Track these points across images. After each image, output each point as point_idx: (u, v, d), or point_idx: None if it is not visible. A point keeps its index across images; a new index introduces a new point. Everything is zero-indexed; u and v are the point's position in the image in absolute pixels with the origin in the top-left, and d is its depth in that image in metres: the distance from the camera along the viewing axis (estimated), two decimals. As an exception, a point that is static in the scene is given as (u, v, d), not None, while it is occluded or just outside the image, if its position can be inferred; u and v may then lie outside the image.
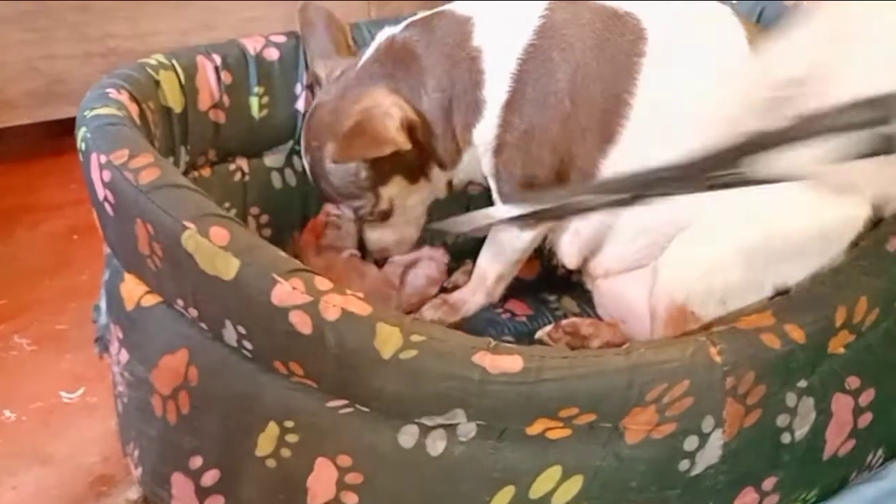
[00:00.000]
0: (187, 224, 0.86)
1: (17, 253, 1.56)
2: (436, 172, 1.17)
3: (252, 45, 1.25)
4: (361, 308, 0.82)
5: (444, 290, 1.29)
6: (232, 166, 1.24)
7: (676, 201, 1.07)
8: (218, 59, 1.21)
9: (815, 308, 0.87)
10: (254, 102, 1.24)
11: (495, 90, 1.09)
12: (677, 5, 1.12)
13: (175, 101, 1.15)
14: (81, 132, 0.97)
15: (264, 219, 1.27)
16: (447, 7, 1.15)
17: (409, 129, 1.10)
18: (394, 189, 1.15)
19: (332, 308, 0.82)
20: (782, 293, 1.03)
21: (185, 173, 1.17)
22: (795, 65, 0.84)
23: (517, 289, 1.27)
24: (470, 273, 1.26)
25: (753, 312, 0.88)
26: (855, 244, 1.04)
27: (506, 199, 1.14)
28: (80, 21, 1.72)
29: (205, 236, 0.85)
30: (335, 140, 1.09)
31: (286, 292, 0.82)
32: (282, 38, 1.27)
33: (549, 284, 1.28)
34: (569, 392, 0.81)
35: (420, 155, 1.13)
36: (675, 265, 1.07)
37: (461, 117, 1.12)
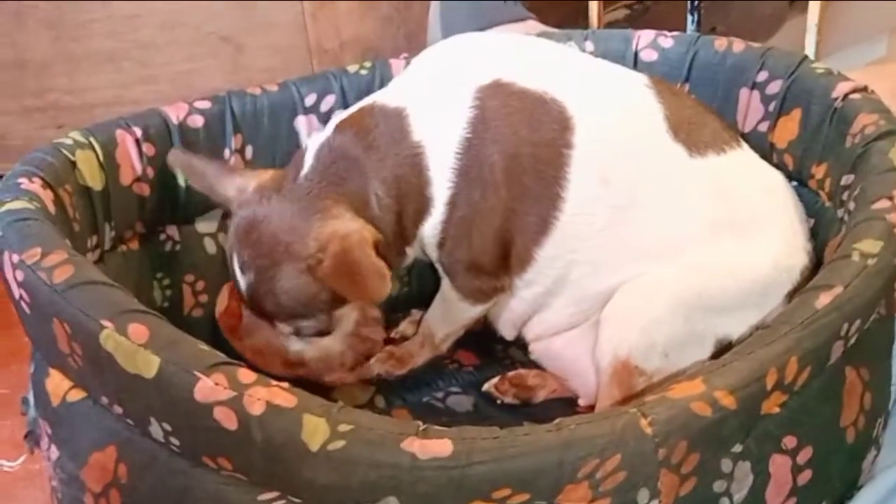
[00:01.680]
0: (105, 323, 0.84)
1: (-46, 314, 1.53)
2: None
3: (175, 114, 1.22)
4: (287, 400, 0.81)
5: (391, 340, 1.28)
6: (162, 236, 1.23)
7: (610, 276, 1.08)
8: (139, 132, 1.19)
9: (746, 372, 0.85)
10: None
11: (440, 187, 1.08)
12: (596, 83, 1.13)
13: (94, 179, 1.13)
14: (-7, 229, 0.96)
15: (200, 285, 1.26)
16: (373, 101, 1.12)
17: (376, 248, 1.06)
18: (348, 308, 1.12)
19: (256, 402, 0.80)
20: (726, 346, 1.05)
21: (112, 248, 1.16)
22: None
23: (464, 339, 1.26)
24: (417, 323, 1.25)
25: (685, 379, 0.87)
26: (791, 295, 1.05)
27: (458, 287, 1.14)
28: (17, 77, 1.71)
29: (123, 334, 0.84)
30: (297, 262, 1.04)
31: (209, 388, 0.81)
32: (206, 104, 1.25)
33: (496, 335, 1.26)
34: (500, 473, 0.80)
35: None
36: (616, 321, 1.07)
37: (410, 217, 1.10)
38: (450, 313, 1.18)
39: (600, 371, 1.07)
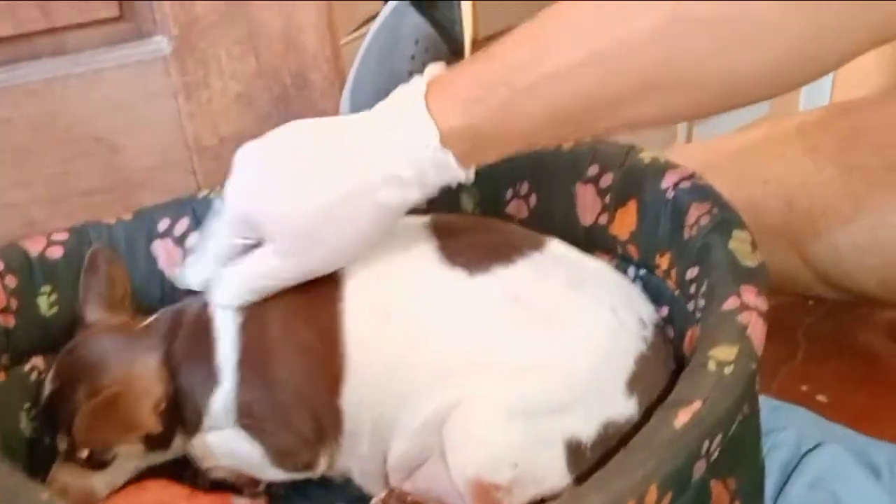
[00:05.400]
0: None
1: None
2: (177, 442, 1.15)
3: (33, 247, 1.23)
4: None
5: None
6: (27, 366, 1.21)
7: (425, 403, 1.07)
8: (0, 264, 1.19)
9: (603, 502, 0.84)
10: (42, 302, 1.22)
11: (228, 354, 1.10)
12: None
13: None
14: None
15: (65, 415, 1.23)
16: None
17: (168, 404, 1.11)
18: (123, 447, 1.12)
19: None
20: (576, 449, 1.03)
21: None
22: None
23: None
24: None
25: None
26: (632, 384, 1.04)
27: (267, 452, 1.13)
28: None
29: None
30: (85, 387, 1.09)
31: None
32: (64, 236, 1.26)
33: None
34: None
35: (166, 430, 1.12)
36: (455, 445, 1.06)
37: (199, 387, 1.12)
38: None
39: (464, 496, 1.05)
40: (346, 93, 1.63)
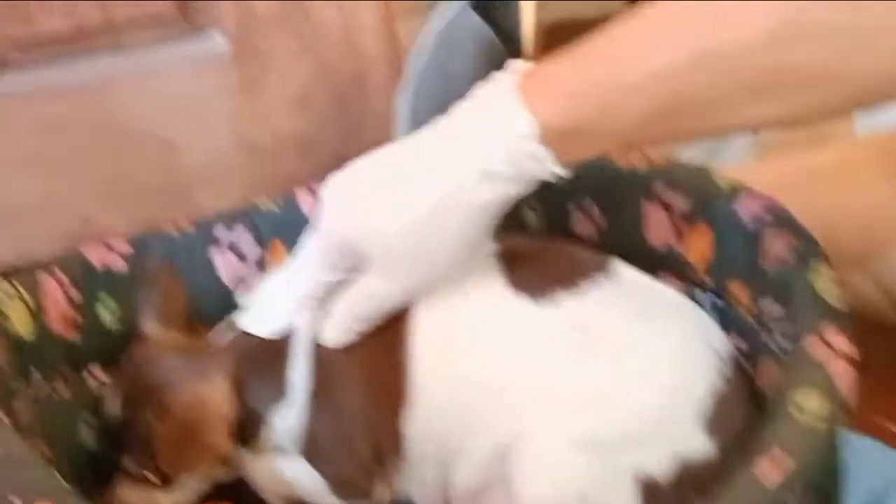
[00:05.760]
0: (13, 499, 0.84)
1: None
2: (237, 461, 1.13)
3: (96, 257, 1.22)
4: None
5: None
6: (88, 378, 1.20)
7: (489, 434, 1.05)
8: (64, 277, 1.17)
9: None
10: (105, 314, 1.20)
11: (300, 373, 1.09)
12: None
13: (25, 328, 1.12)
14: None
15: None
16: None
17: (238, 423, 1.09)
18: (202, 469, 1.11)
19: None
20: (652, 487, 1.00)
21: (40, 393, 1.13)
22: None
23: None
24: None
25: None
26: (711, 425, 1.01)
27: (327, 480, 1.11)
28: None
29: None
30: (155, 408, 1.08)
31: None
32: (126, 248, 1.24)
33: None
34: None
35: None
36: (519, 475, 1.03)
37: (265, 406, 1.10)
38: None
39: None
40: (404, 94, 1.61)
